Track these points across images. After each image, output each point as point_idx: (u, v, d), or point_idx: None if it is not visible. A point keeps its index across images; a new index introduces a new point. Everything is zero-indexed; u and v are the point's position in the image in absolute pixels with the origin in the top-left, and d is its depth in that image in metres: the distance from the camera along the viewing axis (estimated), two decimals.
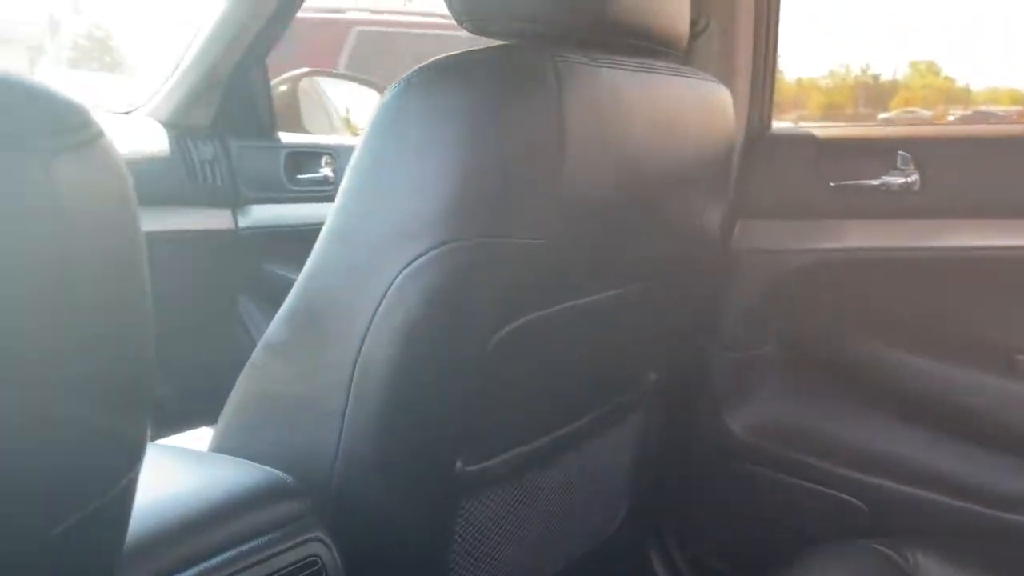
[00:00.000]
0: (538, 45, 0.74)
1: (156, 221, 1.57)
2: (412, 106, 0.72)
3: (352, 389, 0.74)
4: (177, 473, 0.74)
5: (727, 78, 1.08)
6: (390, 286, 0.71)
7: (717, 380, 1.23)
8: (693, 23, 1.14)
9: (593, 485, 1.06)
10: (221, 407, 0.86)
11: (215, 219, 1.66)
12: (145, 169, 1.56)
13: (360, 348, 0.73)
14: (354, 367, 0.74)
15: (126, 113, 1.73)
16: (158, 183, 1.58)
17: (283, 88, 1.79)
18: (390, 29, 4.08)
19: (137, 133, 1.62)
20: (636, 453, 1.11)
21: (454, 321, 0.74)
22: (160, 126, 1.66)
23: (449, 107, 0.72)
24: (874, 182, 1.13)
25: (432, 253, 0.70)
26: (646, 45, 0.84)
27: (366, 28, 3.99)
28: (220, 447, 0.85)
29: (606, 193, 0.78)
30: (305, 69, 1.79)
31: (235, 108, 1.69)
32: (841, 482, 1.15)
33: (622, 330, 0.97)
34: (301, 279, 0.78)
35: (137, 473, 0.41)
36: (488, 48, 0.77)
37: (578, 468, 1.01)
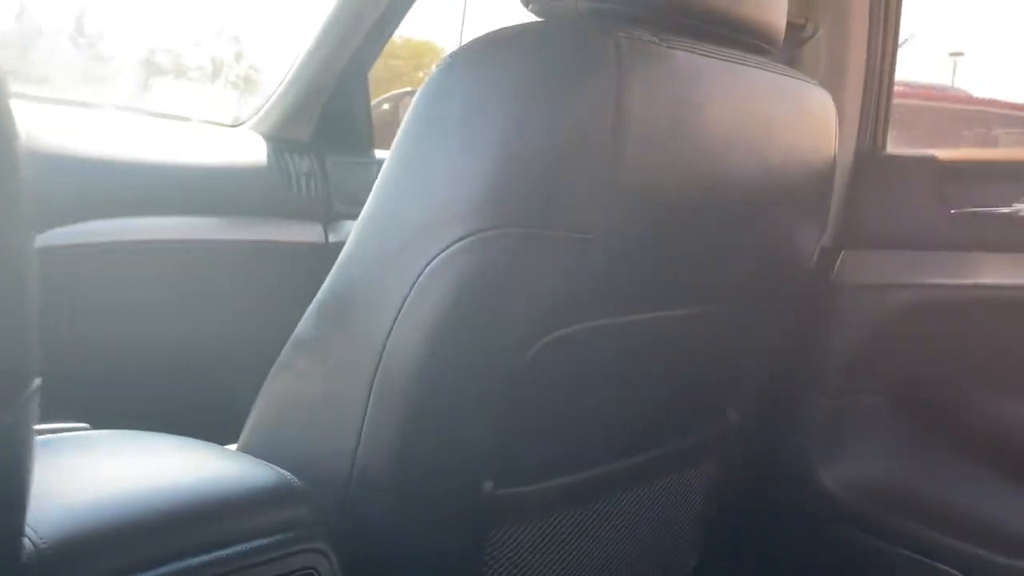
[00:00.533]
0: (603, 22, 0.67)
1: (249, 230, 1.58)
2: (456, 81, 0.67)
3: (374, 389, 0.68)
4: (185, 464, 0.70)
5: (835, 91, 0.97)
6: (419, 276, 0.65)
7: (810, 428, 1.09)
8: (799, 28, 1.04)
9: (654, 533, 0.95)
10: None
11: (306, 232, 1.66)
12: (243, 180, 1.58)
13: (384, 344, 0.67)
14: (377, 365, 0.68)
15: (233, 126, 1.78)
16: (255, 194, 1.59)
17: (386, 106, 1.79)
18: None
19: (239, 145, 1.65)
20: (708, 502, 0.99)
21: (487, 319, 0.67)
22: (261, 139, 1.69)
23: (495, 83, 0.65)
24: (1004, 210, 0.98)
25: (466, 241, 0.63)
26: (736, 37, 0.76)
27: None
28: (243, 445, 0.80)
29: (672, 189, 0.69)
30: (409, 89, 1.79)
31: (334, 123, 1.70)
32: (950, 554, 0.99)
33: (693, 357, 0.86)
34: (333, 270, 0.73)
35: (16, 416, 0.36)
36: (544, 21, 0.71)
37: (636, 511, 0.90)
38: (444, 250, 0.64)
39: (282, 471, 0.69)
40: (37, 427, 0.99)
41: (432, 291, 0.65)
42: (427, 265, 0.65)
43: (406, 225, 0.68)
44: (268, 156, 1.64)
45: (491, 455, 0.72)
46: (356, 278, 0.71)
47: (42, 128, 1.35)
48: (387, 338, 0.67)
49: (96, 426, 1.30)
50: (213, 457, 0.74)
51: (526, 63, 0.65)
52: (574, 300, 0.69)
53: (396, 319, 0.66)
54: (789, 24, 0.89)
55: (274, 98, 1.71)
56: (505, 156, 0.63)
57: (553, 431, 0.76)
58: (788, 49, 1.03)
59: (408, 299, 0.66)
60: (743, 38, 0.76)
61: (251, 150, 1.63)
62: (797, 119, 0.81)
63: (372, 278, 0.70)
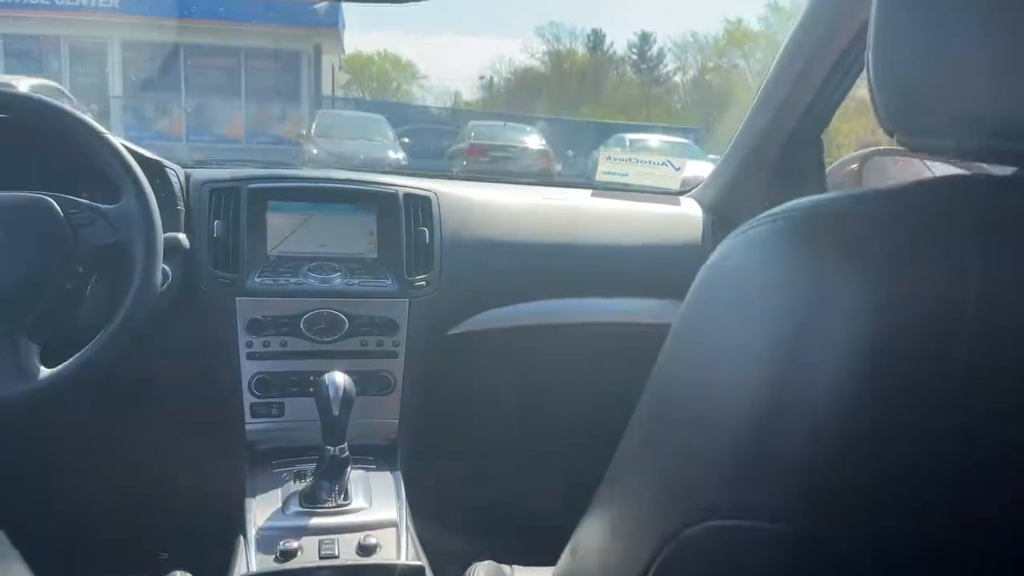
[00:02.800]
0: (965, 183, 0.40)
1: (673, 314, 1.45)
2: (730, 273, 0.46)
3: None
4: None
5: None
6: (648, 568, 0.45)
7: None
8: None
9: None
10: None
11: None
12: (677, 260, 1.46)
13: None
14: None
15: (680, 193, 1.66)
16: (687, 276, 1.46)
17: (853, 167, 1.49)
18: None
19: (677, 220, 1.53)
20: None
21: None
22: (701, 211, 1.55)
23: (776, 279, 0.42)
24: None
25: (697, 530, 0.42)
26: None
27: None
28: None
29: None
30: (880, 147, 1.46)
31: (784, 194, 1.47)
32: None
33: None
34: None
35: None
36: (895, 188, 0.44)
37: None
38: (672, 538, 0.43)
39: None
40: (374, 562, 1.01)
41: None
42: (655, 557, 0.44)
43: (640, 480, 0.48)
44: (704, 233, 1.49)
45: None
46: (594, 546, 0.53)
47: (495, 210, 1.41)
48: None
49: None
50: None
51: (826, 250, 0.41)
52: None
53: None
54: None
55: (718, 166, 1.56)
56: (769, 389, 0.40)
57: None
58: None
59: None
60: None
61: (688, 226, 1.50)
62: None
63: (607, 550, 0.51)
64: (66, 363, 1.00)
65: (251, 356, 1.19)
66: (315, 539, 1.01)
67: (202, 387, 1.22)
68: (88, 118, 1.07)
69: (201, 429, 1.23)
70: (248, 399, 1.19)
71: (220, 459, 1.18)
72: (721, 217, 1.52)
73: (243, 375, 1.19)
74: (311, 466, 1.12)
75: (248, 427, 1.19)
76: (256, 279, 1.21)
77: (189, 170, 1.28)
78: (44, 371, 0.99)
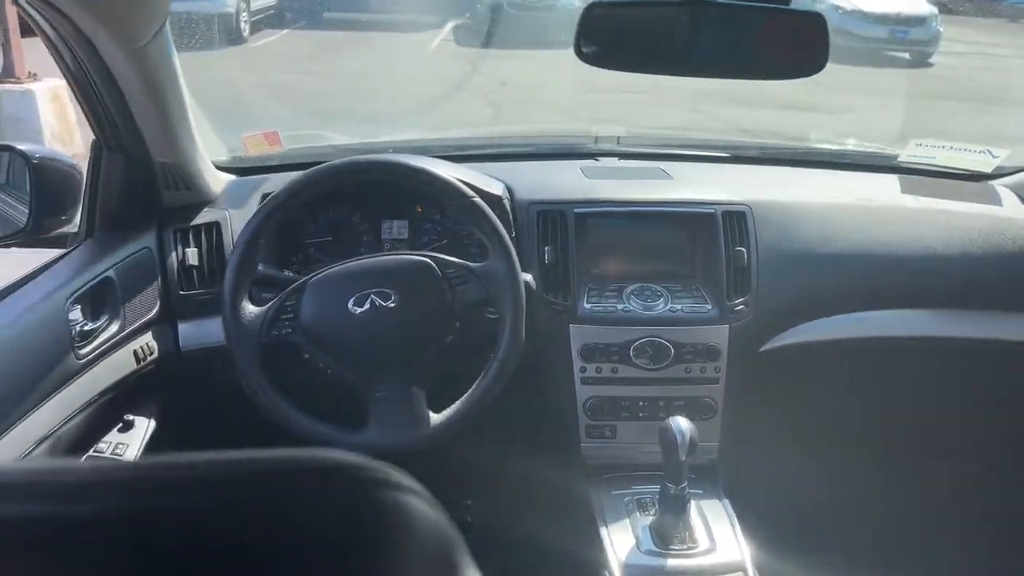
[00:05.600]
0: None
1: (985, 326, 1.40)
2: None
3: None
4: None
5: None
6: None
7: None
8: None
9: None
10: None
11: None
12: (1002, 270, 1.37)
13: None
14: None
15: (990, 177, 1.54)
16: (1011, 288, 1.39)
17: None
18: None
19: (989, 220, 1.41)
20: None
21: None
22: (1018, 203, 1.43)
23: None
24: None
25: None
26: None
27: None
28: None
29: None
30: None
31: None
32: None
33: None
34: None
35: None
36: None
37: None
38: None
39: None
40: None
41: None
42: None
43: None
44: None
45: None
46: None
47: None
48: None
49: None
50: None
51: None
52: None
53: None
54: None
55: None
56: None
57: None
58: None
59: None
60: None
61: (1015, 232, 1.39)
62: None
63: None
64: (453, 409, 1.12)
65: (584, 381, 1.27)
66: None
67: (539, 408, 1.31)
68: (461, 185, 1.13)
69: (541, 447, 1.33)
70: (583, 421, 1.28)
71: (561, 476, 1.30)
72: None
73: (578, 399, 1.28)
74: (649, 492, 1.21)
75: (583, 446, 1.29)
76: (586, 305, 1.27)
77: (511, 189, 1.33)
78: (434, 416, 1.12)
